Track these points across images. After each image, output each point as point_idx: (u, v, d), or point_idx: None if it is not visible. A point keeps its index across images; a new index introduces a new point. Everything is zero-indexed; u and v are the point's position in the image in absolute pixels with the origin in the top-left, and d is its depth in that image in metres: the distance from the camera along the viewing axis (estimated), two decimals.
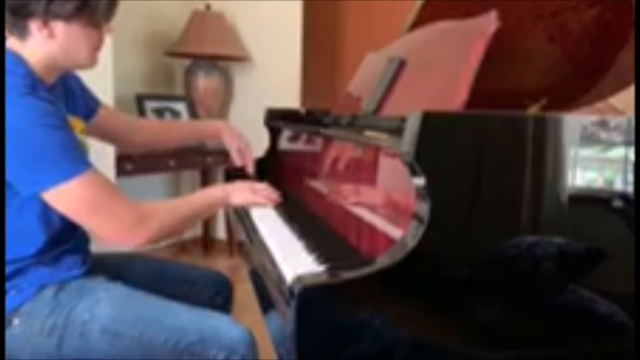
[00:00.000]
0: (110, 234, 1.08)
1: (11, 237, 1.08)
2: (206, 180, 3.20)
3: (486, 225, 0.80)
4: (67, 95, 1.23)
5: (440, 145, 0.77)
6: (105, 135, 1.43)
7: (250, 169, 1.58)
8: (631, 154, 0.81)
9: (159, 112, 3.00)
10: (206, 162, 3.07)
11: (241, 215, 1.39)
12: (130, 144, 1.51)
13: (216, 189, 1.33)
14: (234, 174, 1.66)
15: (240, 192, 1.34)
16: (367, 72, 1.54)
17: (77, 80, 1.32)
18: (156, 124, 1.59)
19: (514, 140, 0.80)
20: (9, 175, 1.03)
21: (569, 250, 0.80)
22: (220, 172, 3.16)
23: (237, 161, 1.58)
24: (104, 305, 1.07)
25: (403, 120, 0.79)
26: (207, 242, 3.33)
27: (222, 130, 1.60)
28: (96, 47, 1.14)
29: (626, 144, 0.81)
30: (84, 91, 1.33)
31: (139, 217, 1.10)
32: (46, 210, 1.08)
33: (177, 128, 1.71)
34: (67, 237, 1.15)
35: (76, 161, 1.04)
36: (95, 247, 1.26)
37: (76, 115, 1.22)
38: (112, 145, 1.60)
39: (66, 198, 1.03)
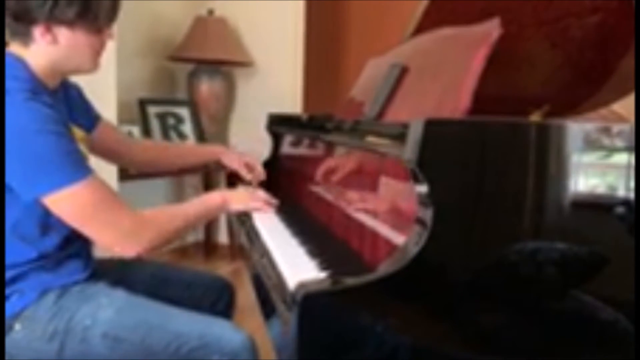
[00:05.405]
0: (108, 241, 1.08)
1: (14, 241, 1.08)
2: (209, 184, 3.19)
3: (489, 232, 0.79)
4: (68, 103, 1.23)
5: (442, 152, 0.77)
6: (106, 152, 1.42)
7: (262, 176, 1.59)
8: (634, 160, 0.81)
9: (162, 117, 3.00)
10: (209, 165, 3.07)
11: (243, 219, 1.39)
12: (129, 162, 1.50)
13: (214, 196, 1.32)
14: (236, 179, 1.66)
15: (238, 199, 1.34)
16: (369, 77, 1.54)
17: (79, 90, 1.31)
18: (156, 144, 1.61)
19: (517, 147, 0.80)
20: (11, 179, 1.03)
21: (572, 257, 0.80)
22: (222, 176, 3.15)
23: (247, 176, 1.58)
24: (106, 311, 1.07)
25: (405, 126, 0.79)
26: (208, 246, 3.32)
27: (222, 152, 1.62)
28: (98, 51, 1.14)
29: (629, 150, 0.81)
30: (85, 102, 1.33)
31: (138, 225, 1.09)
32: (49, 214, 1.08)
33: (178, 150, 1.71)
34: (69, 242, 1.15)
35: (77, 167, 1.04)
36: (98, 252, 1.26)
37: (77, 124, 1.22)
38: (112, 163, 1.59)
39: (65, 203, 1.03)
